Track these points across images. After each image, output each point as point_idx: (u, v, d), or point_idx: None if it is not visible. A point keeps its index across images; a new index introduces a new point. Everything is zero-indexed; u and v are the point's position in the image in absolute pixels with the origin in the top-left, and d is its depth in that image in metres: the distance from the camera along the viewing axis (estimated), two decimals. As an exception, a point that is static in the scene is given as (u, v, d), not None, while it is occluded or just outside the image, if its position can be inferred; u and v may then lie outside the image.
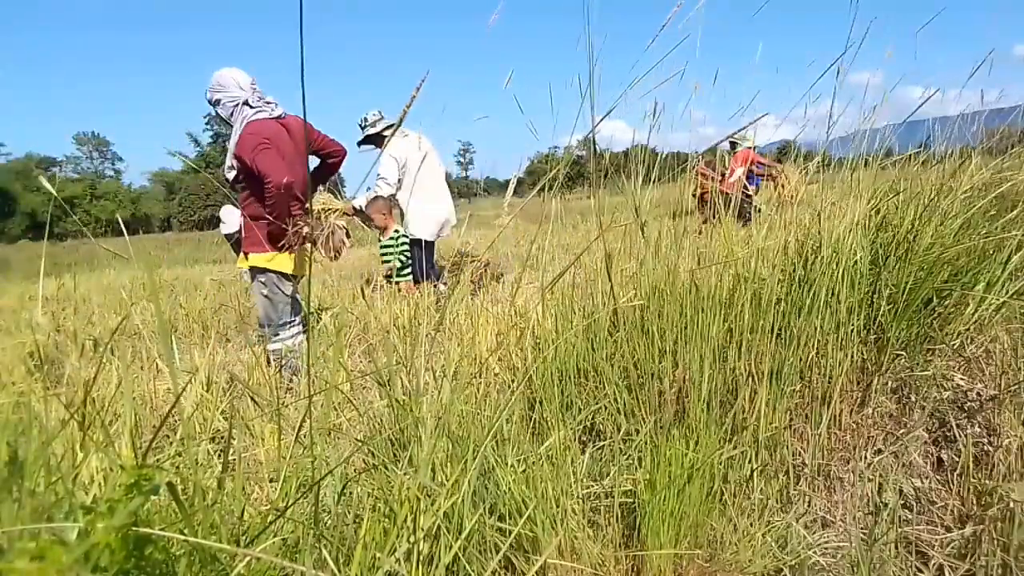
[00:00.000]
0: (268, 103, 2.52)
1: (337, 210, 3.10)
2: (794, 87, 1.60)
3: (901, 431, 1.45)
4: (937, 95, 1.54)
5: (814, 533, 1.24)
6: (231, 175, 2.54)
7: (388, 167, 3.97)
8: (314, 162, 2.89)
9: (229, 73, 2.50)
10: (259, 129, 2.43)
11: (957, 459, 1.34)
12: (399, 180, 4.04)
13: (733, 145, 5.39)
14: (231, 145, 2.49)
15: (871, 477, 1.35)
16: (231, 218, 4.36)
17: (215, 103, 2.52)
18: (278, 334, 2.60)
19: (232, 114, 2.49)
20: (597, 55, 1.12)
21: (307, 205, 2.54)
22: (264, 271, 2.53)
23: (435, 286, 3.81)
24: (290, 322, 2.63)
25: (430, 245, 4.18)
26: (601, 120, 1.08)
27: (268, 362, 2.49)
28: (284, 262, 2.52)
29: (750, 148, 5.46)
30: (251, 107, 2.48)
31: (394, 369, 1.19)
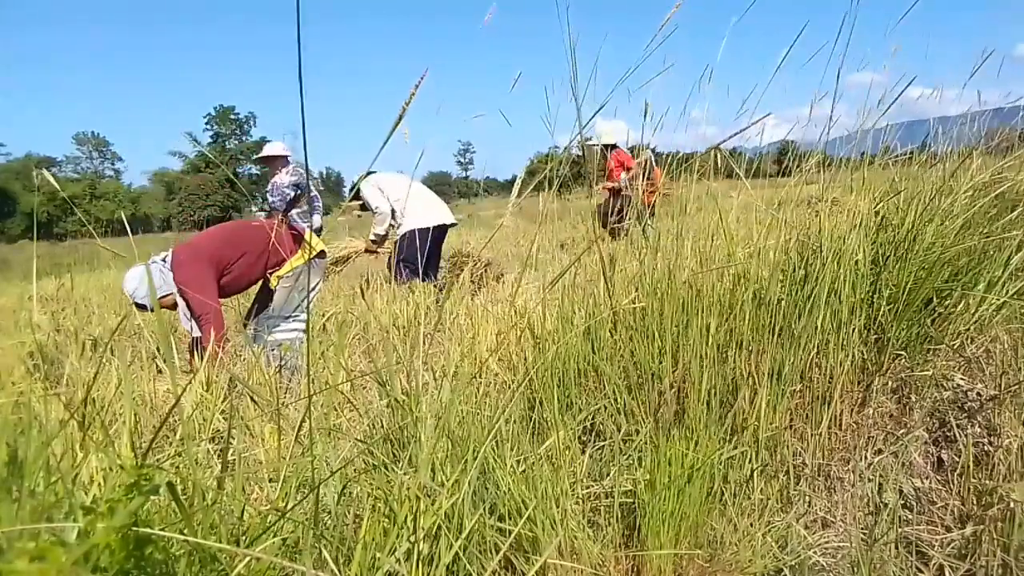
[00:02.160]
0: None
1: (359, 251, 3.59)
2: (792, 87, 1.59)
3: (901, 431, 1.45)
4: (937, 94, 1.54)
5: (814, 533, 1.24)
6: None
7: (375, 198, 3.98)
8: None
9: None
10: None
11: (957, 459, 1.34)
12: (391, 208, 4.02)
13: (607, 147, 5.24)
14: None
15: (871, 477, 1.35)
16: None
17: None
18: (279, 325, 2.64)
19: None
20: (596, 58, 1.12)
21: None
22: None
23: (435, 285, 3.79)
24: (294, 316, 2.67)
25: (425, 234, 3.98)
26: (593, 117, 1.08)
27: (268, 361, 2.50)
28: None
29: (617, 147, 5.32)
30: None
31: (394, 369, 1.19)
